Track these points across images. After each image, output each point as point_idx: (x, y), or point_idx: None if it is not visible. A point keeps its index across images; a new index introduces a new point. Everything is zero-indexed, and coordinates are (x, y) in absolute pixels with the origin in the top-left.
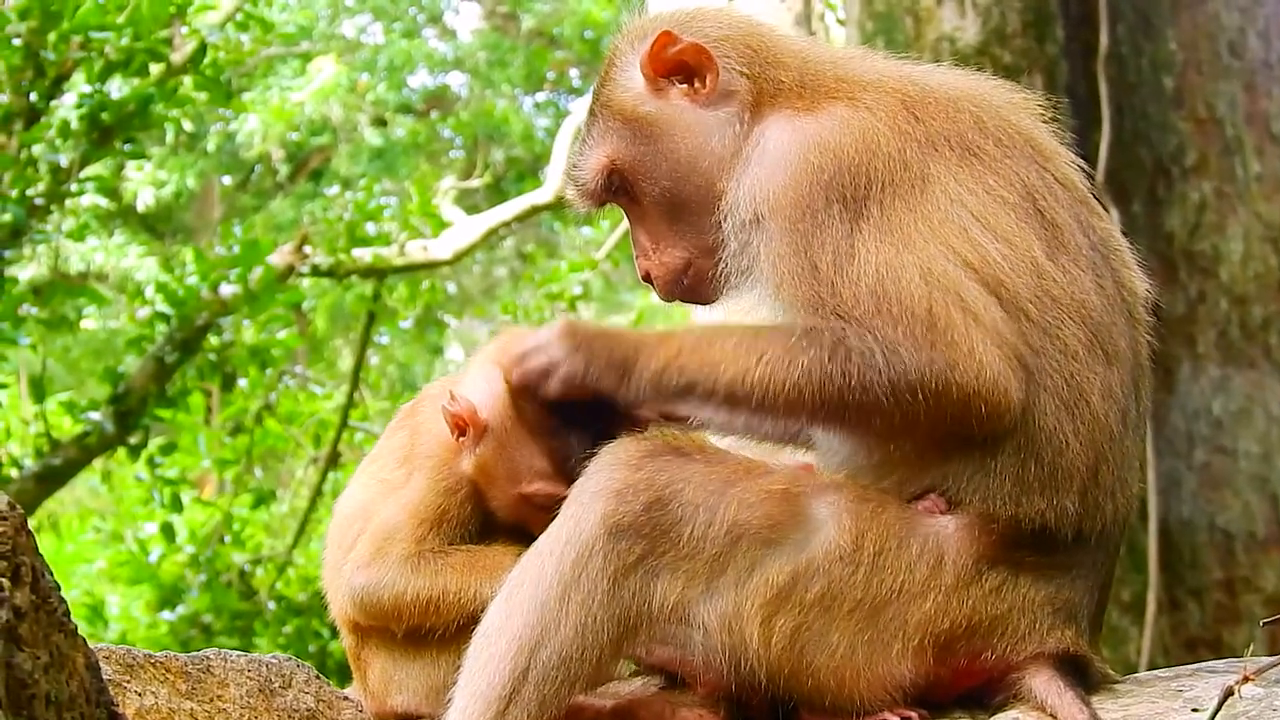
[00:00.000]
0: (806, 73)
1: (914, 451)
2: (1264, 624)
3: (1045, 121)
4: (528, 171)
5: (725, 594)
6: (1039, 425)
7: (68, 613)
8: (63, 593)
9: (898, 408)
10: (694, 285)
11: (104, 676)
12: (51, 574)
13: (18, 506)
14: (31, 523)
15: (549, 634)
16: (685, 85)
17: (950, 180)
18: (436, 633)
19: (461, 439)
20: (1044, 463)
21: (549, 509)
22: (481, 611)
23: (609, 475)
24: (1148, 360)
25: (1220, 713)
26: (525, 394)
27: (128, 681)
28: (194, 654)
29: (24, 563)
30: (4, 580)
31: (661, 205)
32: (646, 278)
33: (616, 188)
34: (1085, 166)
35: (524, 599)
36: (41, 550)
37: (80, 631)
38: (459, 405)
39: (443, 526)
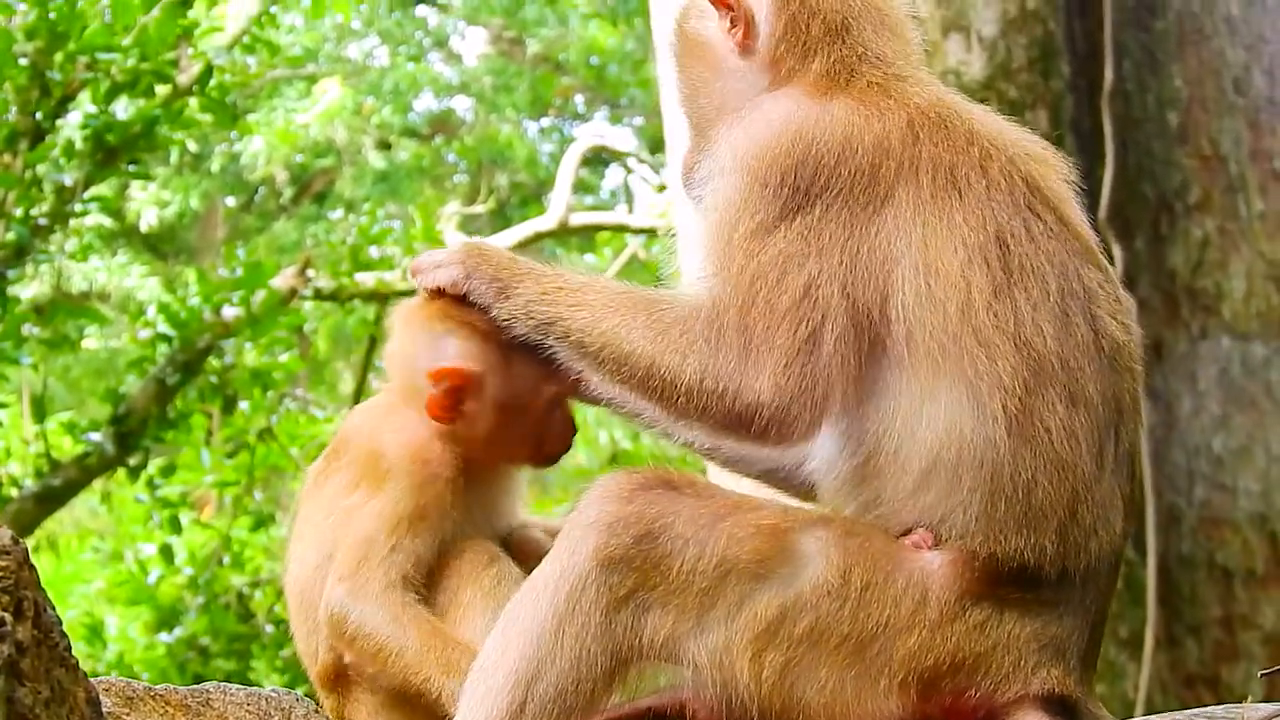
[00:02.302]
0: (841, 65)
1: (885, 498)
2: (1262, 675)
3: (1069, 180)
4: (531, 197)
5: (715, 628)
6: (992, 458)
7: (69, 647)
8: (64, 626)
9: (699, 395)
10: (690, 186)
11: (104, 710)
12: (54, 608)
13: (21, 541)
14: (30, 542)
15: (545, 667)
16: (728, 24)
17: (909, 209)
18: (423, 699)
19: (459, 410)
20: (1013, 501)
21: (568, 417)
22: (422, 691)
23: (600, 509)
24: (1132, 405)
25: None
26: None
27: (127, 714)
28: (193, 687)
29: (26, 597)
30: (6, 615)
31: (687, 106)
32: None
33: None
34: (1088, 214)
35: (519, 632)
36: (40, 570)
37: (78, 652)
38: (445, 372)
39: (422, 525)
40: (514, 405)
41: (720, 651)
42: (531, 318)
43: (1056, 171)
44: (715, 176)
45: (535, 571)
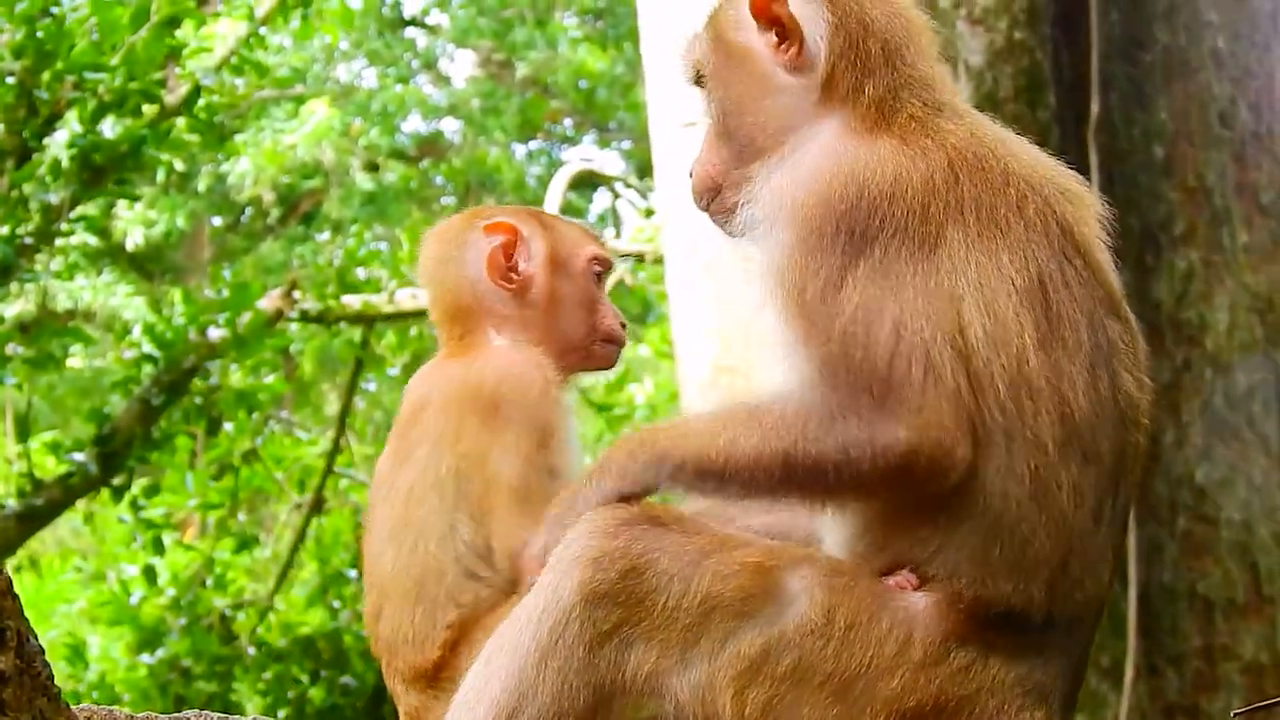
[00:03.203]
0: (890, 93)
1: (879, 522)
2: (1235, 715)
3: (1100, 219)
4: None
5: (699, 665)
6: (1000, 510)
7: (51, 676)
8: (46, 655)
9: (847, 467)
10: (716, 210)
11: None
12: (36, 637)
13: (4, 570)
14: (12, 562)
15: (526, 700)
16: (776, 39)
17: (961, 248)
18: None
19: (516, 270)
20: (1008, 550)
21: (602, 286)
22: None
23: (586, 543)
24: (1134, 460)
25: None
26: None
27: None
28: (175, 715)
29: (9, 627)
30: None
31: (718, 121)
32: (690, 174)
33: (698, 81)
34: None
35: (502, 665)
36: (22, 590)
37: (59, 672)
38: (497, 226)
39: (555, 438)
40: (561, 263)
41: (703, 688)
42: (651, 465)
43: (1088, 211)
44: (766, 226)
45: (520, 604)
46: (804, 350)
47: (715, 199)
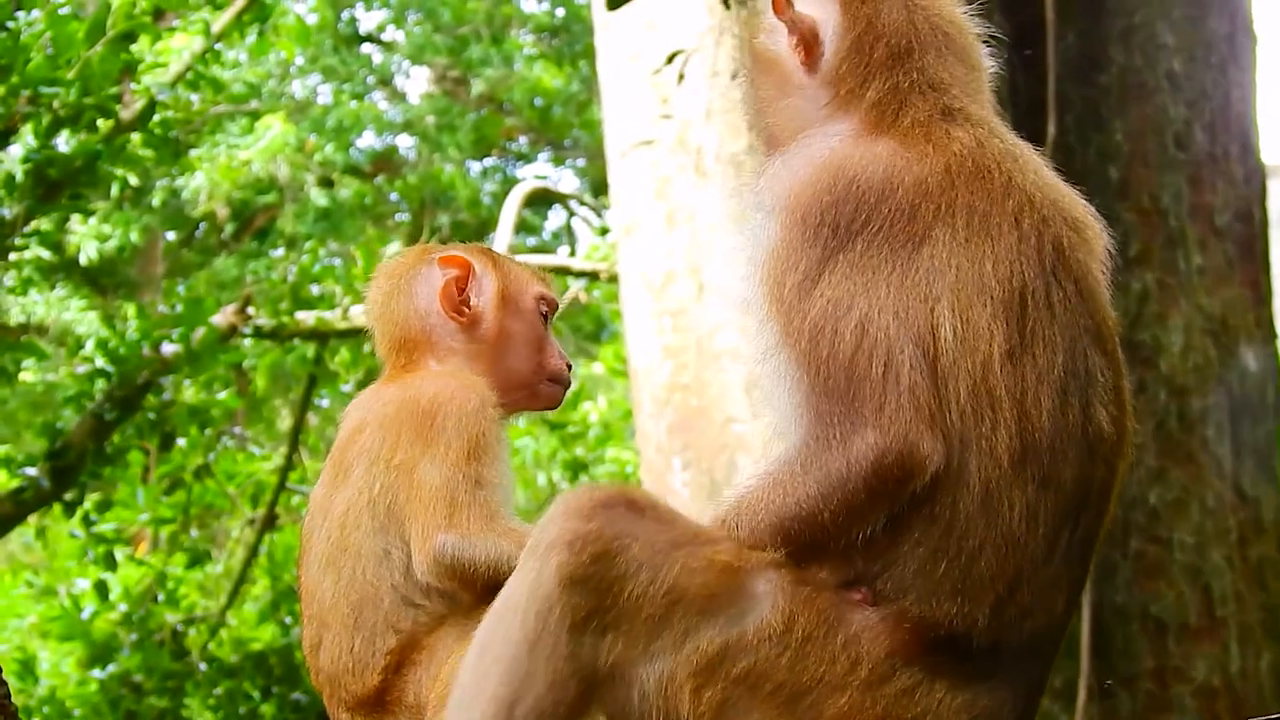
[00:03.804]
0: (893, 96)
1: (836, 536)
2: None
3: (1100, 249)
4: (473, 237)
5: (663, 658)
6: (949, 520)
7: (8, 694)
8: (3, 673)
9: (836, 495)
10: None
11: None
12: None
13: None
14: None
15: (524, 688)
16: (796, 41)
17: (945, 250)
18: None
19: (465, 301)
20: (955, 564)
21: (548, 326)
22: None
23: (561, 526)
24: (1099, 495)
25: None
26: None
27: None
28: None
29: None
30: None
31: (757, 122)
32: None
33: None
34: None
35: (494, 659)
36: None
37: (10, 688)
38: (451, 259)
39: (488, 453)
40: (511, 300)
41: (665, 682)
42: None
43: (1089, 238)
44: (760, 219)
45: (502, 592)
46: (781, 352)
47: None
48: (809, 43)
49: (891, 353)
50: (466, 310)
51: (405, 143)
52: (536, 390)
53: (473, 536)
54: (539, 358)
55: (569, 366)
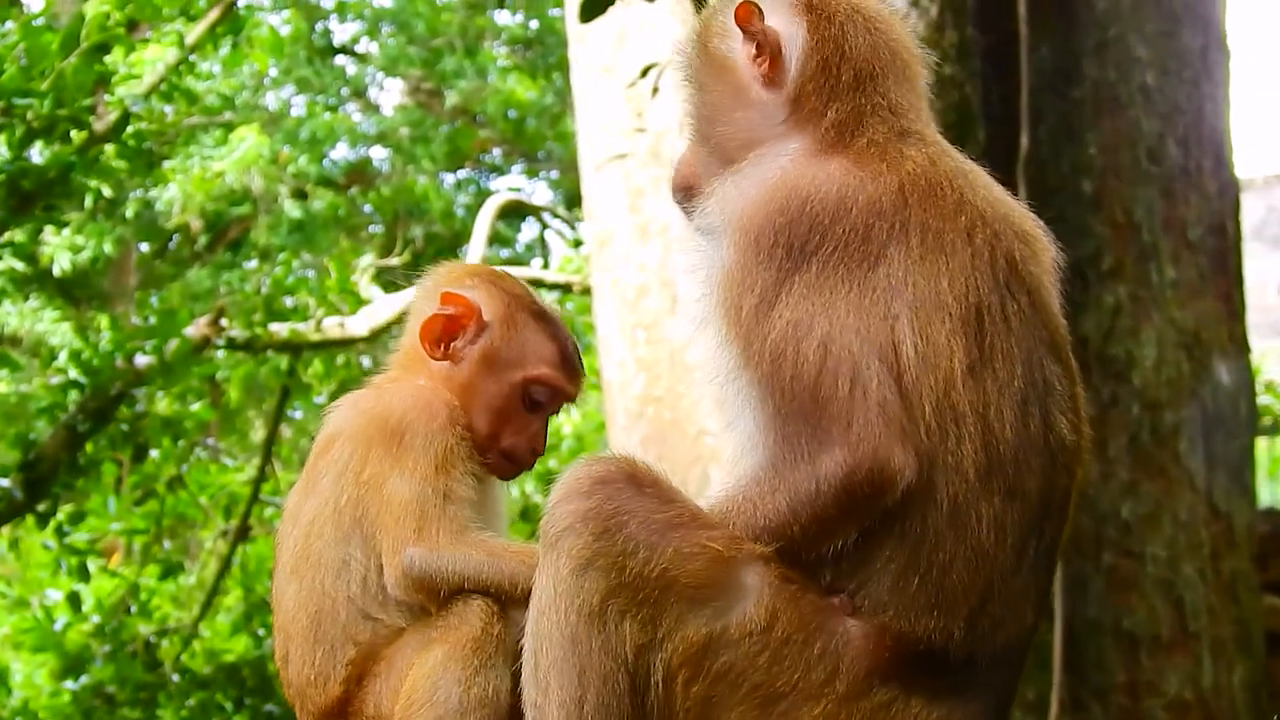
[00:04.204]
0: (854, 118)
1: (806, 550)
2: None
3: (1051, 263)
4: (447, 248)
5: (665, 645)
6: (919, 536)
7: None
8: None
9: (805, 511)
10: (688, 210)
11: None
12: None
13: None
14: None
15: (585, 690)
16: (755, 51)
17: (901, 269)
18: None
19: (450, 344)
20: (927, 578)
21: (538, 432)
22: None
23: (564, 510)
24: (1061, 503)
25: None
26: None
27: None
28: None
29: None
30: None
31: (697, 124)
32: (673, 167)
33: (686, 81)
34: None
35: (549, 665)
36: None
37: None
38: (453, 296)
39: (456, 468)
40: (495, 366)
41: (665, 672)
42: None
43: (1039, 250)
44: (712, 238)
45: (533, 595)
46: (742, 374)
47: (688, 199)
48: (774, 57)
49: (858, 370)
50: (446, 350)
51: (379, 155)
52: (485, 457)
53: (441, 550)
54: (499, 429)
55: (534, 452)
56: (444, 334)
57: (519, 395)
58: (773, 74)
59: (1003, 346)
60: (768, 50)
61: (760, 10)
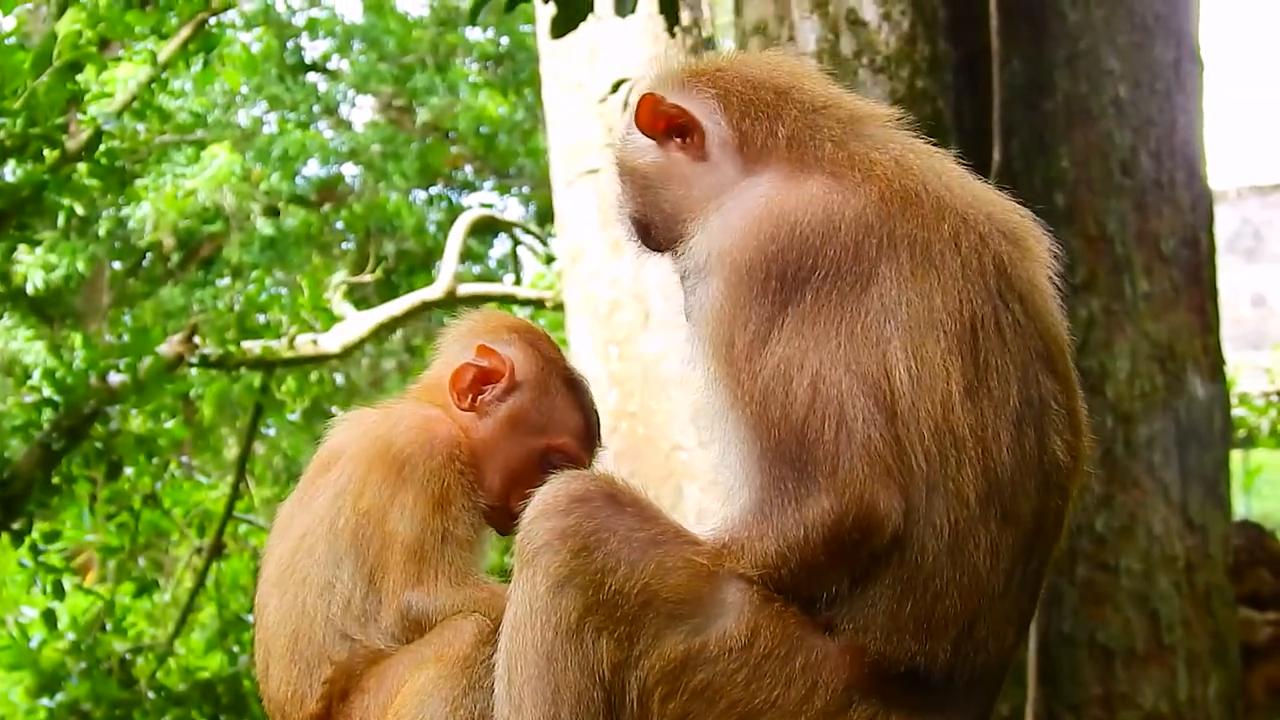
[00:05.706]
0: (805, 133)
1: (796, 591)
2: None
3: (1043, 257)
4: (419, 265)
5: (642, 662)
6: (917, 563)
7: None
8: None
9: (794, 556)
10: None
11: None
12: None
13: None
14: None
15: (559, 708)
16: (681, 140)
17: (894, 287)
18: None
19: (478, 397)
20: (920, 604)
21: (550, 474)
22: None
23: (540, 527)
24: (1053, 524)
25: None
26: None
27: None
28: None
29: None
30: None
31: (661, 218)
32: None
33: (648, 236)
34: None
35: (522, 682)
36: None
37: None
38: (489, 350)
39: (456, 506)
40: (520, 428)
41: (642, 689)
42: None
43: (1030, 247)
44: (698, 278)
45: (506, 612)
46: (731, 414)
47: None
48: (696, 128)
49: (844, 410)
50: (472, 401)
51: (350, 171)
52: (492, 514)
53: (439, 595)
54: (511, 489)
55: None
56: (474, 385)
57: (538, 460)
58: (703, 146)
59: (998, 363)
60: (688, 127)
61: (657, 99)
